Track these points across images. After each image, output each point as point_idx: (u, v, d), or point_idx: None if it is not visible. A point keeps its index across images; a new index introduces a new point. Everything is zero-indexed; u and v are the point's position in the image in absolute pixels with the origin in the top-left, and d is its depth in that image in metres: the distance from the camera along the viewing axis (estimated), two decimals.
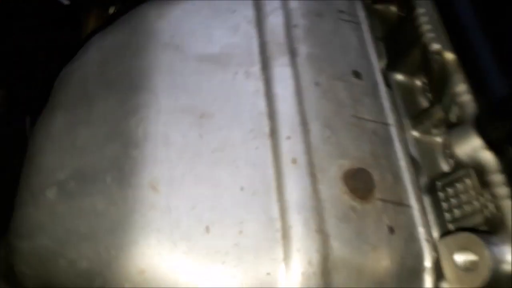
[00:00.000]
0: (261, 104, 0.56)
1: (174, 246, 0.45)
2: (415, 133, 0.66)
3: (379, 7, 0.81)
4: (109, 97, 0.56)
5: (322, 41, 0.64)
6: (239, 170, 0.50)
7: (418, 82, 0.72)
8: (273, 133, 0.53)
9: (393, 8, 0.81)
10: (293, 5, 0.66)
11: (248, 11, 0.64)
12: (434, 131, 0.65)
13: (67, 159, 0.53)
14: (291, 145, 0.52)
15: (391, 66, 0.73)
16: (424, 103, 0.70)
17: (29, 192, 0.53)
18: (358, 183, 0.52)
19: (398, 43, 0.74)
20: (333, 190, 0.50)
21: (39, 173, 0.54)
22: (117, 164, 0.50)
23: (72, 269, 0.47)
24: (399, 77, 0.72)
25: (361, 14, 0.73)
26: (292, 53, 0.60)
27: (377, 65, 0.67)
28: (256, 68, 0.59)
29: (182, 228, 0.46)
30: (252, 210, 0.48)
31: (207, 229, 0.47)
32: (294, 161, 0.51)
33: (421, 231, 0.53)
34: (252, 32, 0.62)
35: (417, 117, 0.67)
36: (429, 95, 0.70)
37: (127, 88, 0.56)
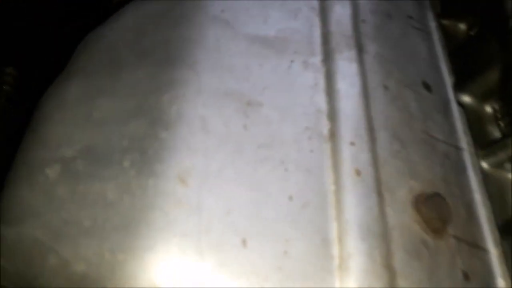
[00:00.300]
0: (320, 100, 0.46)
1: (201, 258, 0.35)
2: (484, 165, 0.56)
3: (446, 22, 0.72)
4: (140, 68, 0.46)
5: (391, 43, 0.55)
6: (289, 175, 0.40)
7: (488, 108, 0.62)
8: (333, 136, 0.43)
9: (462, 26, 0.72)
10: None
11: None
12: (508, 165, 0.55)
13: (78, 133, 0.43)
14: (355, 153, 0.42)
15: (458, 86, 0.63)
16: (494, 132, 0.60)
17: (26, 168, 0.43)
18: (431, 212, 0.42)
19: (468, 63, 0.65)
20: (402, 216, 0.40)
21: (41, 146, 0.43)
22: (140, 146, 0.40)
23: (64, 271, 0.37)
24: (467, 99, 0.62)
25: (432, 24, 0.64)
26: (360, 49, 0.51)
27: (449, 80, 0.58)
28: (317, 59, 0.49)
29: (214, 235, 0.36)
30: (302, 226, 0.38)
31: (244, 242, 0.36)
32: (358, 172, 0.41)
33: (500, 283, 0.42)
34: (315, 19, 0.53)
35: (488, 147, 0.57)
36: (502, 124, 0.60)
37: (163, 60, 0.47)
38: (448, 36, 0.71)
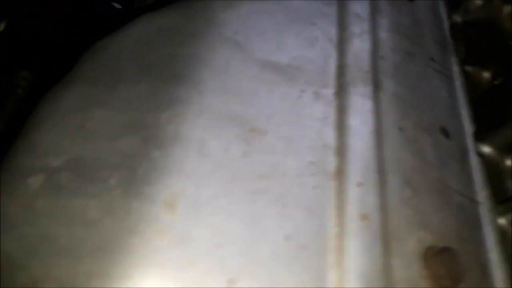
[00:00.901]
0: (329, 134, 0.43)
1: None
2: (502, 222, 0.51)
3: (470, 69, 0.70)
4: (141, 82, 0.44)
5: (410, 83, 0.52)
6: (287, 211, 0.37)
7: (508, 161, 0.59)
8: (340, 174, 0.40)
9: (486, 74, 0.70)
10: (383, 35, 0.55)
11: (330, 28, 0.53)
12: None
13: (67, 143, 0.40)
14: (363, 195, 0.38)
15: (478, 135, 0.60)
16: None
17: (8, 175, 0.40)
18: (442, 268, 0.38)
19: (490, 112, 0.62)
20: (409, 270, 0.36)
21: (28, 153, 0.41)
22: (130, 164, 0.37)
23: None
24: (487, 150, 0.59)
25: (455, 69, 0.61)
26: (376, 86, 0.48)
27: (469, 129, 0.55)
28: (329, 92, 0.47)
29: (197, 271, 0.32)
30: (297, 270, 0.34)
31: (231, 282, 0.32)
32: (364, 217, 0.37)
33: None
34: (331, 51, 0.50)
35: (507, 202, 0.53)
36: None
37: (166, 76, 0.44)
38: (471, 83, 0.68)
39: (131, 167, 0.37)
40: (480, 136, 0.59)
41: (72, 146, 0.40)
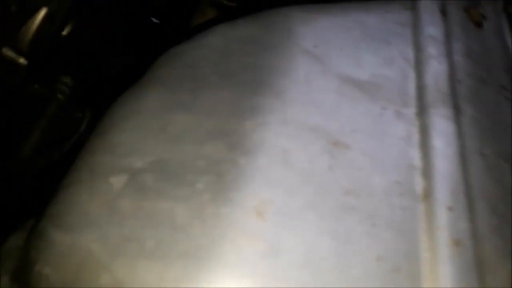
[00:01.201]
0: (414, 155, 0.42)
1: None
2: None
3: None
4: (223, 89, 0.44)
5: (486, 109, 0.51)
6: (377, 231, 0.35)
7: None
8: (428, 196, 0.38)
9: None
10: (458, 58, 0.54)
11: (407, 48, 0.52)
12: None
13: (150, 145, 0.40)
14: (454, 220, 0.37)
15: None
16: None
17: (87, 172, 0.39)
18: None
19: None
20: None
21: (108, 152, 0.40)
22: (217, 169, 0.37)
23: None
24: None
25: None
26: (457, 109, 0.47)
27: None
28: (410, 111, 0.46)
29: (290, 284, 0.31)
30: None
31: None
32: (456, 243, 0.35)
33: None
34: (409, 70, 0.50)
35: None
36: None
37: (248, 85, 0.44)
38: None
39: (218, 172, 0.36)
40: None
41: (155, 148, 0.39)
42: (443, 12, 0.57)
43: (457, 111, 0.47)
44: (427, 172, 0.40)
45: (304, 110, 0.42)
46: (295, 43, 0.48)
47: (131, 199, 0.36)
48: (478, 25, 0.61)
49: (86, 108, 0.78)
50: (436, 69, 0.50)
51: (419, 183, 0.39)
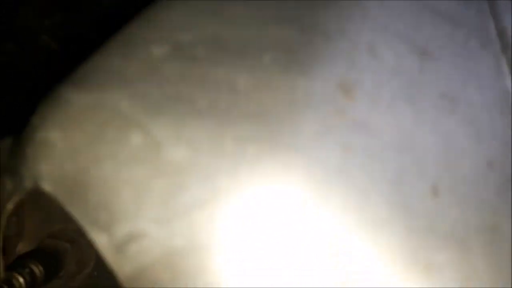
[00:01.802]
0: (507, 82, 0.35)
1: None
2: None
3: None
4: None
5: None
6: (482, 138, 0.28)
7: None
8: None
9: None
10: None
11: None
12: None
13: (203, 22, 0.33)
14: None
15: None
16: None
17: (122, 43, 0.32)
18: None
19: None
20: None
21: (150, 28, 0.33)
22: (287, 47, 0.29)
23: (149, 155, 0.24)
24: None
25: None
26: None
27: None
28: (495, 46, 0.40)
29: (391, 167, 0.23)
30: (505, 201, 0.25)
31: (435, 191, 0.23)
32: None
33: None
34: (487, 12, 0.44)
35: None
36: None
37: None
38: None
39: (289, 50, 0.29)
40: None
41: (209, 25, 0.32)
42: None
43: None
44: None
45: (385, 12, 0.36)
46: None
47: (178, 64, 0.28)
48: None
49: None
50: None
51: None
